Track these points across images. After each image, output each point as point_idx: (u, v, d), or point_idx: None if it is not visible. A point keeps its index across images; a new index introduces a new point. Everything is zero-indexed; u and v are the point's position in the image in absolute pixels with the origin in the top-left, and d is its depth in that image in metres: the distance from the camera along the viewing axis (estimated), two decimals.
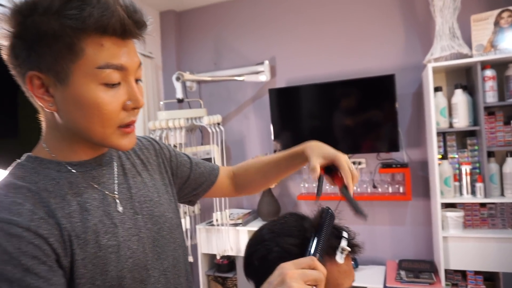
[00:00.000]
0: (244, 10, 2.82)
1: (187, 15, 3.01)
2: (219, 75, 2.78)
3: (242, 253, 2.50)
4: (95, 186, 0.66)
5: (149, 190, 0.75)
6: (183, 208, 2.55)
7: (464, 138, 2.19)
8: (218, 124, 2.62)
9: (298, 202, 2.70)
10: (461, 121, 2.05)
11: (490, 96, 1.98)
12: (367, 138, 2.40)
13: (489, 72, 1.99)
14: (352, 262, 0.75)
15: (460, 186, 2.10)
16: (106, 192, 0.67)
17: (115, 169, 0.72)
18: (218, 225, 2.51)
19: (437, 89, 2.12)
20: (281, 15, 2.71)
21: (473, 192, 2.06)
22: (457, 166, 2.15)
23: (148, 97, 2.76)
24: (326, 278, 0.56)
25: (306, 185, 2.62)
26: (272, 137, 2.62)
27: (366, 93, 2.37)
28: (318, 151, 0.81)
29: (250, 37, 2.81)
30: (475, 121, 2.07)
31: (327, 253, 0.66)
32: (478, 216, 2.10)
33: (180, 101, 2.56)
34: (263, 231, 0.75)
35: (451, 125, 2.12)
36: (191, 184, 0.91)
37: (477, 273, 2.04)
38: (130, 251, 0.65)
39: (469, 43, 2.06)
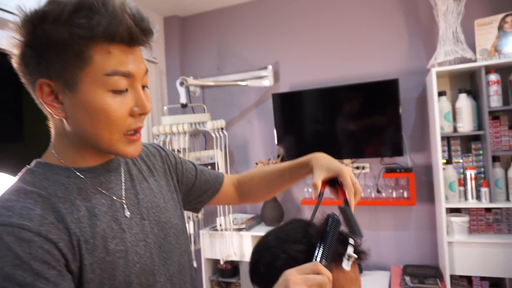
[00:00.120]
0: (247, 15, 2.83)
1: (190, 21, 3.03)
2: (223, 80, 2.79)
3: (245, 258, 2.50)
4: (103, 191, 0.67)
5: (155, 196, 0.76)
6: (186, 213, 2.55)
7: (468, 142, 2.18)
8: (222, 129, 2.62)
9: (302, 207, 2.70)
10: (466, 125, 2.05)
11: (494, 100, 1.98)
12: (371, 142, 2.40)
13: (493, 77, 1.99)
14: None
15: (465, 191, 2.09)
16: (114, 198, 0.68)
17: (123, 175, 0.73)
18: (221, 230, 2.51)
19: (441, 93, 2.11)
20: (284, 20, 2.72)
21: (478, 197, 2.05)
22: (461, 170, 2.14)
23: (152, 102, 2.77)
24: (333, 285, 0.56)
25: (310, 190, 2.61)
26: (276, 142, 2.62)
27: (369, 98, 2.37)
28: (322, 164, 0.81)
29: (253, 42, 2.82)
30: (479, 125, 2.06)
31: (334, 260, 0.66)
32: (484, 221, 2.09)
33: (183, 106, 2.57)
34: (269, 238, 0.74)
35: (455, 130, 2.11)
36: (196, 191, 0.92)
37: (483, 278, 2.02)
38: (138, 256, 0.66)
39: (473, 48, 2.05)
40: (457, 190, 2.08)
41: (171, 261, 0.73)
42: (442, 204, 2.02)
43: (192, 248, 2.58)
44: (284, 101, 2.59)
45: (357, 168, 2.50)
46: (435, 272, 2.16)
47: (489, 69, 2.00)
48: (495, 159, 2.03)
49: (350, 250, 0.67)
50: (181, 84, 2.54)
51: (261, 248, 0.74)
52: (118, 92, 0.61)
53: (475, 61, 2.02)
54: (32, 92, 0.62)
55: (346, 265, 0.66)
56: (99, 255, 0.60)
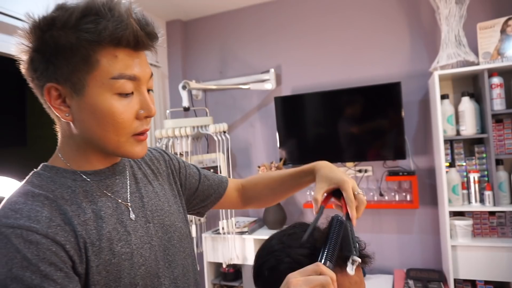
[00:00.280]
0: (249, 19, 2.84)
1: (193, 25, 3.04)
2: (225, 84, 2.80)
3: (248, 261, 2.50)
4: (109, 194, 0.68)
5: (160, 200, 0.77)
6: (189, 216, 2.54)
7: (471, 145, 2.17)
8: (224, 132, 2.63)
9: (304, 210, 2.69)
10: (469, 128, 2.04)
11: (497, 103, 1.98)
12: (373, 146, 2.39)
13: (496, 80, 1.98)
14: None
15: (469, 194, 2.08)
16: (119, 201, 0.69)
17: (128, 178, 0.74)
18: (224, 233, 2.50)
19: (443, 96, 2.11)
20: (286, 24, 2.73)
21: (482, 200, 2.04)
22: (465, 174, 2.13)
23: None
24: None
25: (312, 193, 2.60)
26: (278, 145, 2.62)
27: (372, 101, 2.37)
28: (324, 176, 0.79)
29: (255, 45, 2.83)
30: (482, 128, 2.06)
31: (338, 264, 0.65)
32: (488, 225, 2.08)
33: (186, 109, 2.57)
34: (273, 242, 0.74)
35: (458, 133, 2.10)
36: (199, 195, 0.92)
37: (487, 282, 2.01)
38: (143, 258, 0.66)
39: (475, 51, 2.05)
40: (461, 194, 2.07)
41: (175, 264, 0.73)
42: (446, 208, 2.01)
43: (195, 251, 2.58)
44: (286, 104, 2.59)
45: (360, 171, 2.50)
46: (439, 276, 2.15)
47: (492, 72, 2.00)
48: (498, 162, 2.03)
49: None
50: (184, 87, 2.55)
51: (264, 252, 0.74)
52: (124, 95, 0.62)
53: (477, 64, 2.01)
54: (40, 97, 0.64)
55: (351, 269, 0.66)
56: (105, 257, 0.61)
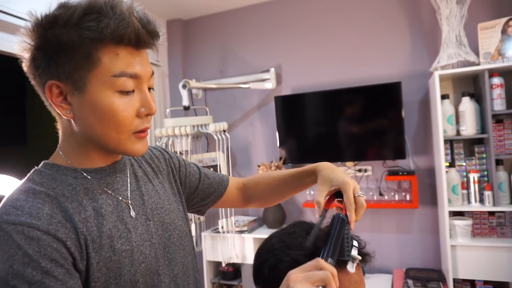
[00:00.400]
0: (250, 18, 2.84)
1: (193, 24, 3.04)
2: (225, 83, 2.80)
3: (247, 260, 2.50)
4: (109, 192, 0.68)
5: (160, 198, 0.77)
6: (188, 214, 2.54)
7: (471, 145, 2.17)
8: (224, 131, 2.63)
9: (304, 209, 2.69)
10: (469, 128, 2.04)
11: (498, 104, 1.98)
12: (373, 145, 2.39)
13: (496, 80, 1.98)
14: None
15: (468, 194, 2.09)
16: (120, 198, 0.69)
17: (128, 176, 0.74)
18: (223, 232, 2.51)
19: (444, 96, 2.11)
20: (287, 23, 2.73)
21: (482, 201, 2.04)
22: (464, 174, 2.13)
23: None
24: None
25: (312, 193, 2.61)
26: (278, 144, 2.62)
27: (372, 101, 2.37)
28: (325, 177, 0.77)
29: (256, 44, 2.82)
30: (482, 129, 2.06)
31: (338, 262, 0.65)
32: (487, 225, 2.08)
33: (186, 108, 2.57)
34: (273, 240, 0.74)
35: (458, 133, 2.11)
36: (200, 194, 0.92)
37: (486, 282, 2.01)
38: (143, 256, 0.67)
39: (476, 51, 2.05)
40: (460, 194, 2.07)
41: (175, 262, 0.74)
42: (445, 208, 2.01)
43: (195, 249, 2.58)
44: (286, 103, 2.59)
45: (360, 171, 2.50)
46: (438, 276, 2.15)
47: (492, 73, 2.00)
48: (498, 162, 2.03)
49: (354, 252, 0.67)
50: (184, 86, 2.55)
51: (265, 250, 0.74)
52: (125, 93, 0.62)
53: (478, 64, 2.01)
54: (42, 94, 0.64)
55: (351, 267, 0.66)
56: (106, 254, 0.61)
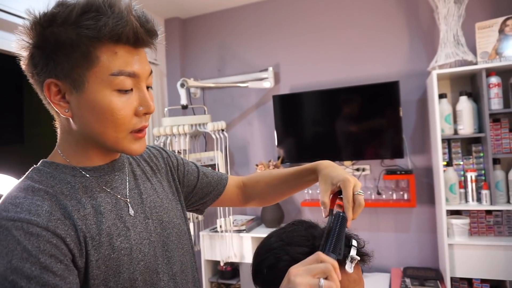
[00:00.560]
0: (248, 17, 2.84)
1: (191, 22, 3.04)
2: (223, 82, 2.79)
3: (245, 259, 2.50)
4: (108, 190, 0.68)
5: (158, 196, 0.77)
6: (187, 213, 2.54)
7: (469, 145, 2.18)
8: (222, 130, 2.63)
9: (302, 208, 2.70)
10: (466, 128, 2.05)
11: (495, 103, 1.98)
12: (371, 144, 2.40)
13: (494, 79, 1.99)
14: None
15: (466, 193, 2.09)
16: (118, 196, 0.69)
17: (127, 175, 0.74)
18: (221, 231, 2.50)
19: (441, 96, 2.12)
20: (285, 22, 2.72)
21: (479, 199, 2.05)
22: (462, 173, 2.14)
23: None
24: None
25: (310, 192, 2.61)
26: (276, 144, 2.62)
27: (370, 100, 2.37)
28: (327, 175, 0.77)
29: (254, 43, 2.82)
30: (480, 128, 2.07)
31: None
32: (484, 224, 2.09)
33: (184, 107, 2.57)
34: (272, 239, 0.74)
35: (456, 132, 2.11)
36: (198, 193, 0.92)
37: (483, 281, 2.02)
38: (142, 254, 0.67)
39: (473, 51, 2.06)
40: (458, 193, 2.08)
41: (174, 260, 0.74)
42: (443, 206, 2.02)
43: (193, 248, 2.58)
44: (284, 102, 2.59)
45: (358, 170, 2.51)
46: (436, 274, 2.16)
47: (489, 72, 2.01)
48: (495, 161, 2.04)
49: (353, 252, 0.67)
50: (182, 85, 2.55)
51: (264, 249, 0.74)
52: (124, 91, 0.63)
53: (476, 63, 2.02)
54: (40, 92, 0.64)
55: (349, 267, 0.66)
56: (105, 251, 0.62)
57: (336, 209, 0.72)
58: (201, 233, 2.63)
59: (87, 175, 0.67)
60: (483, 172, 2.10)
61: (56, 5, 0.60)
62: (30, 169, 0.66)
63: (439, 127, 2.04)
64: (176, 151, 2.51)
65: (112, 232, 0.64)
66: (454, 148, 2.18)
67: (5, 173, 1.51)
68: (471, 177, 2.06)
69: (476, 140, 2.17)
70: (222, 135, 2.60)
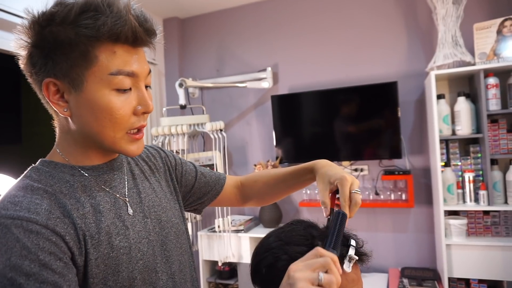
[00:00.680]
0: (247, 17, 2.84)
1: (190, 22, 3.03)
2: (222, 82, 2.79)
3: (243, 259, 2.50)
4: (107, 189, 0.69)
5: (157, 196, 0.77)
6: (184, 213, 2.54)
7: (467, 145, 2.19)
8: (221, 130, 2.63)
9: (300, 208, 2.70)
10: (464, 128, 2.06)
11: (493, 104, 1.99)
12: (369, 145, 2.40)
13: (492, 80, 2.00)
14: None
15: (463, 194, 2.10)
16: (117, 196, 0.69)
17: (125, 174, 0.74)
18: (219, 231, 2.50)
19: (439, 96, 2.12)
20: (283, 22, 2.73)
21: (477, 200, 2.06)
22: (460, 173, 2.15)
23: None
24: None
25: (308, 192, 2.62)
26: (274, 144, 2.62)
27: (368, 100, 2.38)
28: (325, 174, 0.77)
29: (252, 44, 2.82)
30: (478, 128, 2.07)
31: None
32: (482, 224, 2.10)
33: (182, 107, 2.56)
34: (270, 239, 0.74)
35: (454, 133, 2.12)
36: (196, 193, 0.92)
37: (481, 281, 2.02)
38: (141, 253, 0.67)
39: (471, 51, 2.07)
40: (456, 193, 2.09)
41: (172, 260, 0.74)
42: (441, 207, 2.02)
43: (191, 248, 2.58)
44: (283, 103, 2.59)
45: (356, 170, 2.51)
46: (433, 275, 2.16)
47: (487, 73, 2.01)
48: (493, 162, 2.04)
49: (351, 251, 0.67)
50: (180, 85, 2.54)
51: (262, 249, 0.74)
52: (122, 91, 0.63)
53: (474, 64, 2.03)
54: (39, 92, 0.64)
55: (347, 267, 0.66)
56: (104, 250, 0.62)
57: (336, 208, 0.73)
58: (199, 233, 2.63)
59: (86, 174, 0.67)
60: (481, 172, 2.10)
61: (54, 4, 0.60)
62: (28, 168, 0.66)
63: (437, 128, 2.05)
64: (174, 151, 2.51)
65: (111, 231, 0.64)
66: (452, 148, 2.19)
67: (3, 173, 1.50)
68: (469, 177, 2.07)
69: (474, 141, 2.17)
70: (220, 135, 2.60)
